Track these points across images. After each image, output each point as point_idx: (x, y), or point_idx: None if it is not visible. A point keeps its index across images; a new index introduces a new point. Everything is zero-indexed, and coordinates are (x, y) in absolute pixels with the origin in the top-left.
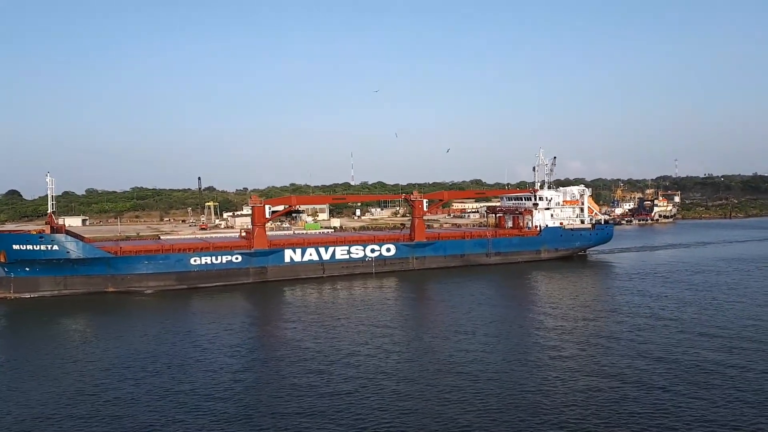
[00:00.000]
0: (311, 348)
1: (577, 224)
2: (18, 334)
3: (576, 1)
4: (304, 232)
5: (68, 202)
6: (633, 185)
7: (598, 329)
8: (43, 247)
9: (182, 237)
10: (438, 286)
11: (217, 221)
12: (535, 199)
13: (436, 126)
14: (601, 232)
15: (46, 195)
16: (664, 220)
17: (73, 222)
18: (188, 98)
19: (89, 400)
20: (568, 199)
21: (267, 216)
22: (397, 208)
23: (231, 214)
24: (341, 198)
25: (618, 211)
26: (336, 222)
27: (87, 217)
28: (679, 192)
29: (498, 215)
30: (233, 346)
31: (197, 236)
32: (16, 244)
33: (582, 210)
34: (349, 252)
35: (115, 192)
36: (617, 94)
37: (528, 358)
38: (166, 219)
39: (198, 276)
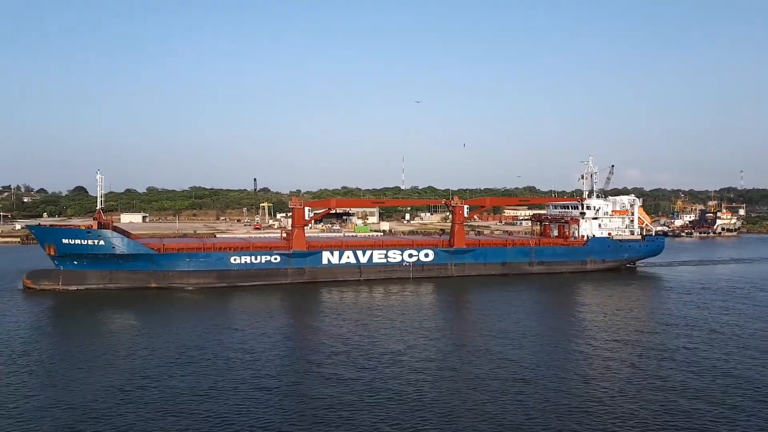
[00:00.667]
0: (349, 350)
1: (626, 235)
2: (67, 324)
3: (640, 4)
4: (354, 234)
5: (130, 199)
6: (694, 196)
7: (649, 344)
8: (90, 242)
9: (237, 236)
10: (477, 294)
11: (270, 221)
12: (582, 208)
13: (490, 132)
14: (652, 243)
15: (109, 192)
16: (727, 234)
17: (133, 218)
18: (247, 100)
19: (137, 391)
20: (618, 209)
21: (306, 218)
22: (448, 213)
23: (284, 214)
24: (380, 201)
25: (678, 222)
26: (385, 225)
27: (147, 214)
28: (744, 204)
29: (544, 223)
30: (273, 344)
31: (251, 235)
32: (65, 238)
33: (632, 221)
34: (386, 256)
35: (174, 190)
36: (679, 101)
37: (575, 370)
38: (222, 218)
39: (237, 275)
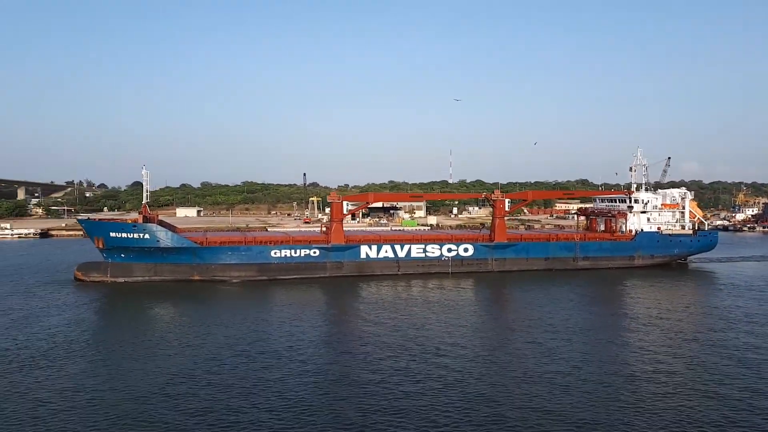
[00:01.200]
0: (391, 344)
1: (677, 230)
2: (116, 316)
3: None
4: (401, 228)
5: (185, 194)
6: (757, 189)
7: (704, 345)
8: (135, 236)
9: (287, 230)
10: (519, 290)
11: (319, 215)
12: (630, 202)
13: (544, 124)
14: (704, 238)
15: (165, 187)
16: None
17: (188, 212)
18: (298, 97)
19: (186, 382)
20: (668, 202)
21: (344, 212)
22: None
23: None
24: (418, 196)
25: (739, 216)
26: (432, 220)
27: (201, 208)
28: None
29: (590, 218)
30: (316, 337)
31: (301, 229)
32: (113, 232)
33: (683, 214)
34: (425, 250)
35: (227, 185)
36: (739, 91)
37: (623, 371)
38: (273, 212)
39: (278, 268)
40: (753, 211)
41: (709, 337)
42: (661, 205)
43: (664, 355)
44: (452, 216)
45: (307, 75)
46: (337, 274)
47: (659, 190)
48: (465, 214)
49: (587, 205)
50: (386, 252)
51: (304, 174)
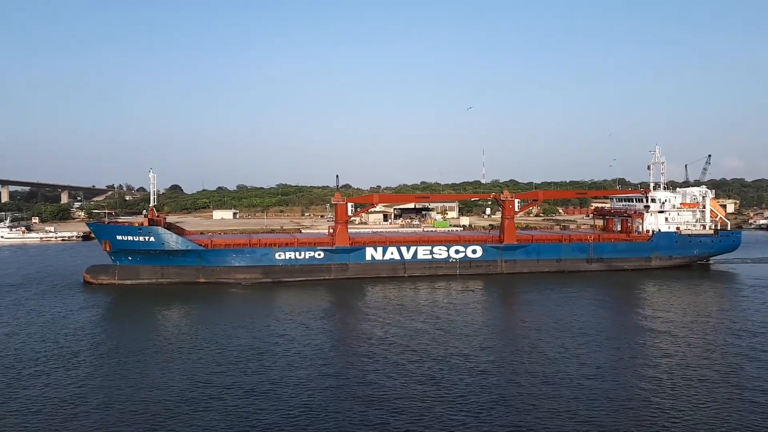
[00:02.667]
0: (395, 347)
1: (697, 230)
2: (121, 319)
3: None
4: (433, 230)
5: (221, 197)
6: None
7: (724, 352)
8: (141, 238)
9: (320, 231)
10: (529, 293)
11: (352, 217)
12: (647, 201)
13: (581, 122)
14: (726, 239)
15: (202, 190)
16: None
17: (225, 214)
18: (331, 99)
19: (193, 385)
20: (688, 201)
21: (349, 214)
22: (530, 207)
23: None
24: (425, 197)
25: None
26: (465, 220)
27: (237, 210)
28: None
29: (607, 217)
30: (319, 340)
31: (331, 231)
32: (119, 235)
33: (703, 214)
34: (431, 252)
35: (262, 188)
36: None
37: (639, 381)
38: (306, 214)
39: (282, 270)
40: None
41: (715, 342)
42: (681, 204)
43: (671, 360)
44: (485, 216)
45: (339, 77)
46: (342, 276)
47: (679, 189)
48: (498, 214)
49: (604, 204)
50: (392, 254)
51: (337, 176)
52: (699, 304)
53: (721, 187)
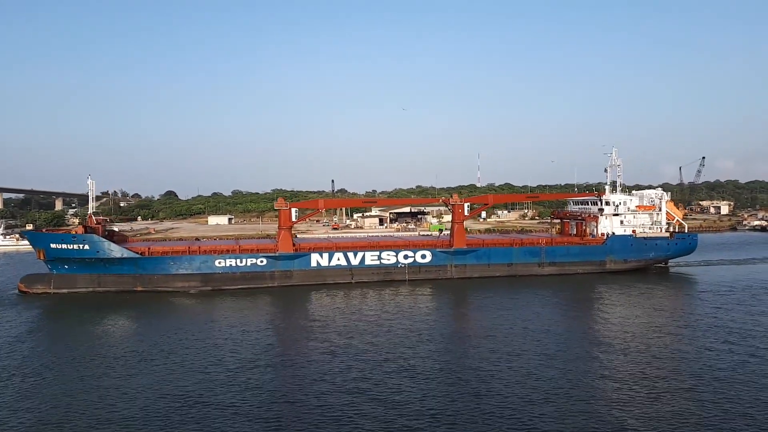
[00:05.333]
0: (339, 357)
1: (653, 233)
2: (53, 329)
3: None
4: (429, 233)
5: (217, 202)
6: None
7: (674, 358)
8: (75, 247)
9: (316, 236)
10: (477, 298)
11: (347, 221)
12: (601, 204)
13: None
14: (682, 242)
15: (197, 195)
16: None
17: (220, 220)
18: (325, 103)
19: (111, 394)
20: (646, 204)
21: (293, 219)
22: (525, 211)
23: (360, 215)
24: (372, 201)
25: None
26: None
27: (232, 216)
28: None
29: (564, 221)
30: (253, 349)
31: (329, 235)
32: (53, 243)
33: (659, 216)
34: (379, 258)
35: (257, 193)
36: None
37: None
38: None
39: (222, 278)
40: None
41: (652, 345)
42: (636, 207)
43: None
44: (480, 220)
45: (334, 82)
46: (286, 284)
47: (635, 192)
48: (494, 218)
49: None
50: (338, 260)
51: (332, 180)
52: (652, 308)
53: (716, 189)
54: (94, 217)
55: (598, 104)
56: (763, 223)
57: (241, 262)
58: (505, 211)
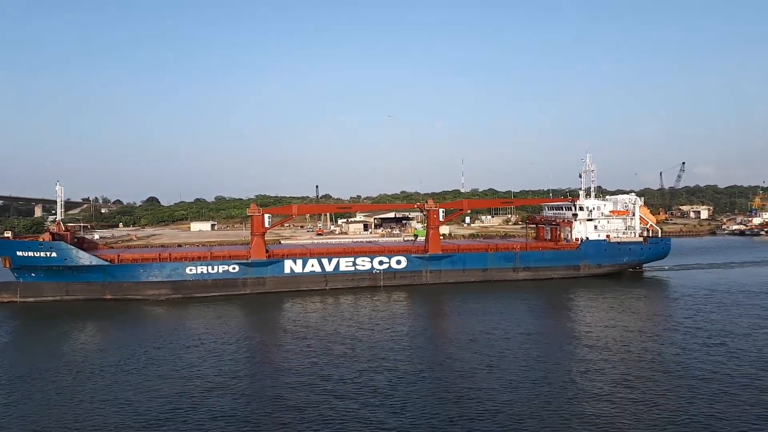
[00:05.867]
0: (310, 364)
1: (627, 238)
2: (18, 339)
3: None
4: (413, 238)
5: (200, 208)
6: None
7: (650, 359)
8: (42, 254)
9: (300, 242)
10: (452, 304)
11: (332, 227)
12: (575, 209)
13: (561, 130)
14: (656, 246)
15: (180, 201)
16: None
17: (203, 226)
18: (308, 108)
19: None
20: (620, 209)
21: (266, 225)
22: (509, 216)
23: (345, 220)
24: (347, 207)
25: (756, 221)
26: (445, 229)
27: (216, 222)
28: None
29: (539, 226)
30: (225, 359)
31: (314, 241)
32: (20, 251)
33: (633, 221)
34: (354, 264)
35: (241, 199)
36: (755, 91)
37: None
38: (286, 224)
39: (194, 285)
40: None
41: (622, 349)
42: (610, 212)
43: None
44: (465, 225)
45: (318, 87)
46: (259, 291)
47: (609, 197)
48: (478, 223)
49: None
50: (312, 266)
51: (317, 186)
52: (628, 312)
53: (695, 194)
54: (62, 224)
55: (580, 111)
56: (741, 227)
57: (212, 269)
58: (489, 216)
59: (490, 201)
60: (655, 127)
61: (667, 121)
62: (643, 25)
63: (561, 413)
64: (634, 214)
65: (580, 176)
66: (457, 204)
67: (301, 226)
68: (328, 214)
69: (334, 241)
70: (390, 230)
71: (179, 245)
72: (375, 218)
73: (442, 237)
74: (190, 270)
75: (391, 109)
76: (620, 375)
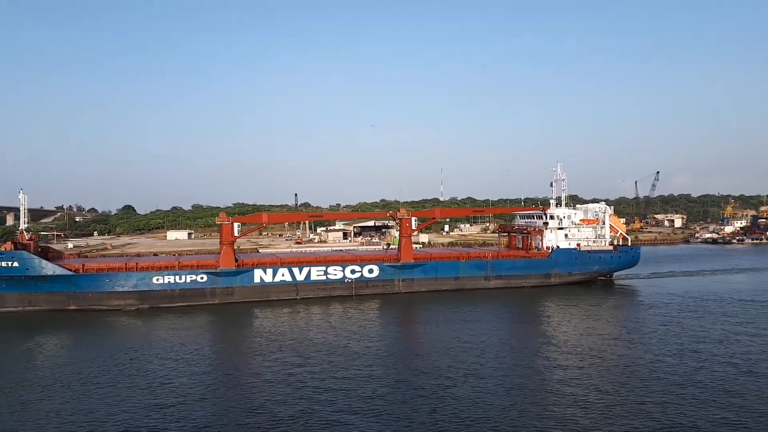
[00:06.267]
0: (280, 375)
1: (597, 246)
2: None
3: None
4: (393, 247)
5: (176, 217)
6: (745, 202)
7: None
8: (3, 264)
9: (279, 250)
10: (425, 312)
11: (311, 235)
12: (546, 218)
13: (539, 139)
14: (625, 254)
15: (156, 210)
16: None
17: (179, 235)
18: (287, 117)
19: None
20: (590, 218)
21: (236, 234)
22: (487, 224)
23: (324, 229)
24: (319, 215)
25: (728, 229)
26: (424, 237)
27: (192, 231)
28: None
29: (511, 234)
30: (192, 371)
31: (292, 249)
32: None
33: (603, 230)
34: (326, 273)
35: (218, 207)
36: (729, 103)
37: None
38: (264, 233)
39: (161, 295)
40: (741, 223)
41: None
42: (581, 220)
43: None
44: (444, 234)
45: (297, 95)
46: (228, 301)
47: (579, 206)
48: (456, 232)
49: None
50: (283, 275)
51: (296, 194)
52: (598, 320)
53: (670, 203)
54: (25, 233)
55: (558, 121)
56: (714, 235)
57: (180, 278)
58: (468, 225)
59: (463, 210)
60: (630, 137)
61: (643, 132)
62: (619, 35)
63: (536, 421)
64: (604, 223)
65: (551, 185)
66: (430, 213)
67: (280, 235)
68: (307, 223)
69: (312, 249)
70: (369, 238)
71: (155, 254)
72: (355, 226)
73: (420, 245)
74: (157, 280)
75: (372, 118)
76: (594, 381)
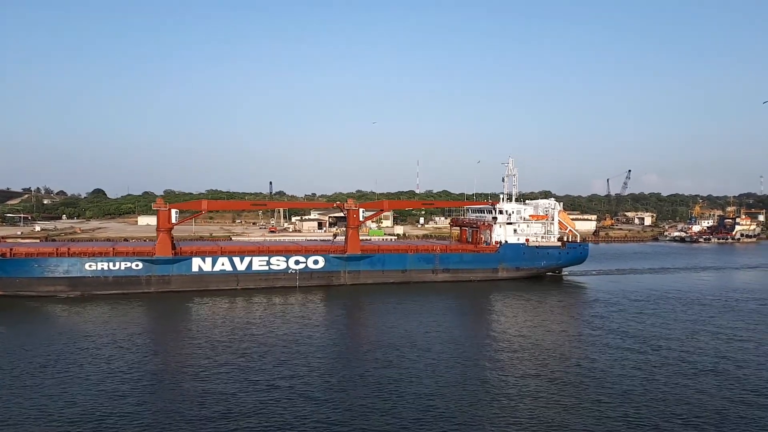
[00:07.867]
0: (218, 371)
1: (547, 242)
2: None
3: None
4: (368, 238)
5: (148, 202)
6: (713, 202)
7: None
8: None
9: (252, 239)
10: (370, 304)
11: (285, 225)
12: (495, 212)
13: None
14: (574, 251)
15: (127, 194)
16: (746, 240)
17: (150, 221)
18: (261, 106)
19: None
20: (540, 213)
21: (174, 221)
22: (461, 217)
23: (299, 218)
24: (262, 204)
25: (696, 228)
26: (399, 229)
27: None
28: (764, 210)
29: (462, 228)
30: (123, 363)
31: (266, 238)
32: None
33: (552, 226)
34: (268, 263)
35: (191, 193)
36: (700, 106)
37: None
38: (238, 221)
39: (93, 282)
40: (708, 223)
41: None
42: (530, 216)
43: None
44: (419, 226)
45: (274, 85)
46: (164, 290)
47: (529, 201)
48: (431, 224)
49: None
50: (223, 265)
51: (270, 183)
52: (544, 314)
53: (640, 201)
54: None
55: (534, 118)
56: (682, 234)
57: (114, 265)
58: (442, 217)
59: (411, 202)
60: (605, 135)
61: (615, 130)
62: (594, 34)
63: (483, 414)
64: (553, 219)
65: (503, 180)
66: (378, 204)
67: (254, 223)
68: (281, 211)
69: (286, 238)
70: (344, 229)
71: (125, 239)
72: (330, 216)
73: (397, 236)
74: (90, 266)
75: (357, 112)
76: (541, 374)
